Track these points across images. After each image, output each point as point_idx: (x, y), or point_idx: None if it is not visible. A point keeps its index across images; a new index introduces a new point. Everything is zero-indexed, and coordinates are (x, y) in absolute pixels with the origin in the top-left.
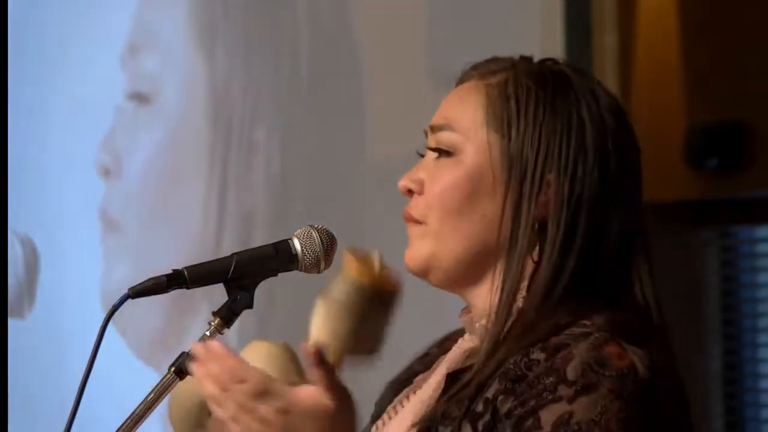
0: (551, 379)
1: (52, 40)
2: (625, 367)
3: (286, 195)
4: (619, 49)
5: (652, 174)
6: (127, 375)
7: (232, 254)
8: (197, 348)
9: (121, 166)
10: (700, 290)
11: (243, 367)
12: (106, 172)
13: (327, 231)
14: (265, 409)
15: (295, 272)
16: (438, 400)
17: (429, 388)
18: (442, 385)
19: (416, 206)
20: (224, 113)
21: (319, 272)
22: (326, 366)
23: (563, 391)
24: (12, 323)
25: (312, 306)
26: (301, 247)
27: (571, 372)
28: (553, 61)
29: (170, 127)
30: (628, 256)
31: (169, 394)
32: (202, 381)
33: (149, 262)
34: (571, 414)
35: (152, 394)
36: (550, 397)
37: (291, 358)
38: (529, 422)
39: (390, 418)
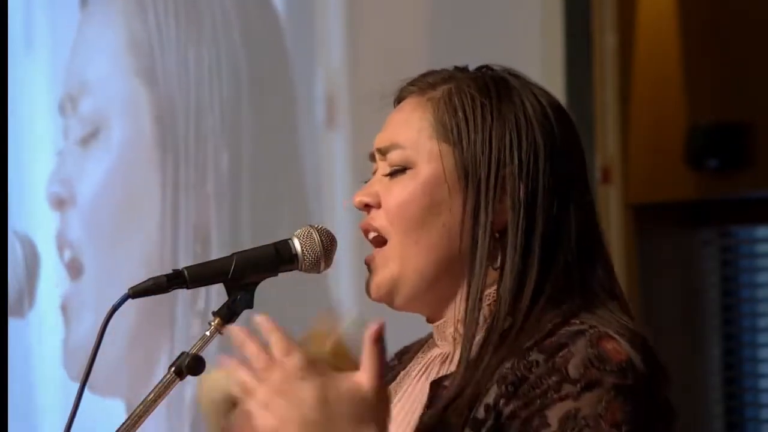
0: (554, 378)
1: None
2: (624, 360)
3: (236, 208)
4: (619, 50)
5: (652, 174)
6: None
7: (233, 254)
8: (235, 331)
9: (75, 195)
10: (700, 290)
11: (288, 341)
12: (60, 203)
13: (327, 231)
14: (306, 385)
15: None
16: (426, 409)
17: (410, 397)
18: (427, 393)
19: (377, 218)
20: (171, 134)
21: (319, 272)
22: (380, 349)
23: (568, 389)
24: (12, 323)
25: (301, 307)
26: (301, 247)
27: (573, 370)
28: (487, 67)
29: (120, 155)
30: (590, 249)
31: (201, 386)
32: (235, 369)
33: (108, 287)
34: (577, 410)
35: (152, 395)
36: (555, 396)
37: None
38: (536, 421)
39: None
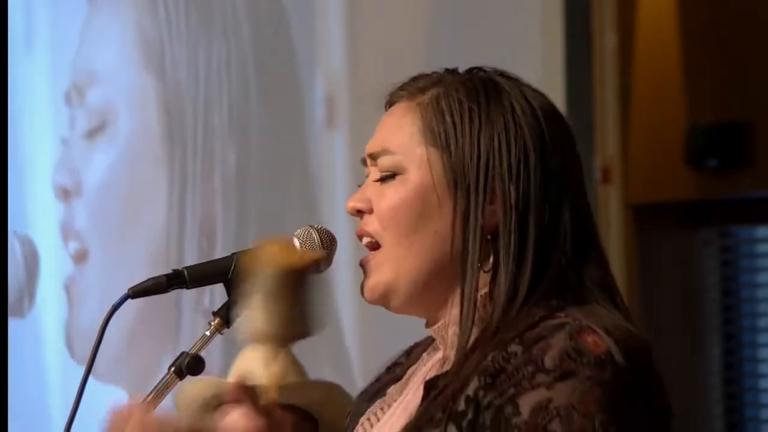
0: (529, 368)
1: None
2: (602, 353)
3: (243, 202)
4: (619, 50)
5: (652, 174)
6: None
7: (233, 254)
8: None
9: (80, 185)
10: (700, 290)
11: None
12: (65, 193)
13: (327, 231)
14: None
15: None
16: (420, 407)
17: (408, 397)
18: (422, 393)
19: (370, 223)
20: (178, 128)
21: (319, 272)
22: (251, 399)
23: (541, 378)
24: (12, 323)
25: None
26: (301, 246)
27: (548, 361)
28: (479, 68)
29: (127, 147)
30: (586, 251)
31: (174, 395)
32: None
33: (113, 278)
34: (549, 400)
35: (152, 394)
36: (528, 385)
37: (291, 360)
38: (508, 410)
39: (366, 430)
